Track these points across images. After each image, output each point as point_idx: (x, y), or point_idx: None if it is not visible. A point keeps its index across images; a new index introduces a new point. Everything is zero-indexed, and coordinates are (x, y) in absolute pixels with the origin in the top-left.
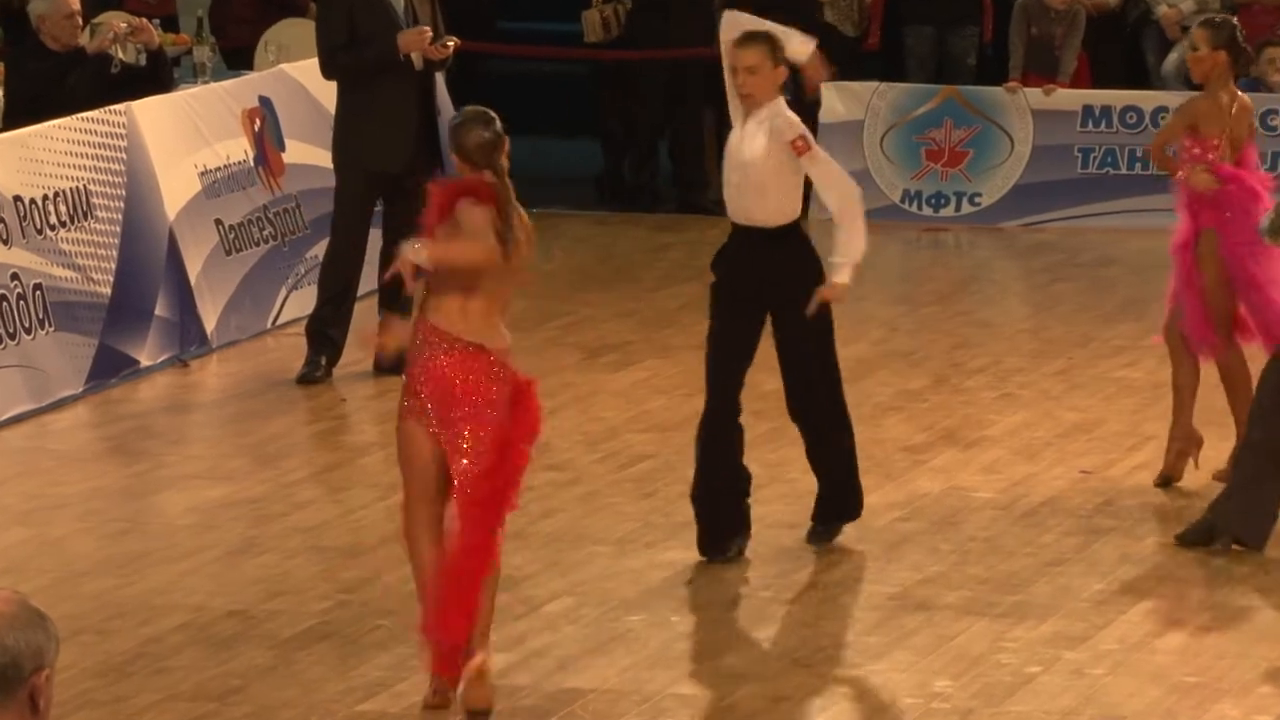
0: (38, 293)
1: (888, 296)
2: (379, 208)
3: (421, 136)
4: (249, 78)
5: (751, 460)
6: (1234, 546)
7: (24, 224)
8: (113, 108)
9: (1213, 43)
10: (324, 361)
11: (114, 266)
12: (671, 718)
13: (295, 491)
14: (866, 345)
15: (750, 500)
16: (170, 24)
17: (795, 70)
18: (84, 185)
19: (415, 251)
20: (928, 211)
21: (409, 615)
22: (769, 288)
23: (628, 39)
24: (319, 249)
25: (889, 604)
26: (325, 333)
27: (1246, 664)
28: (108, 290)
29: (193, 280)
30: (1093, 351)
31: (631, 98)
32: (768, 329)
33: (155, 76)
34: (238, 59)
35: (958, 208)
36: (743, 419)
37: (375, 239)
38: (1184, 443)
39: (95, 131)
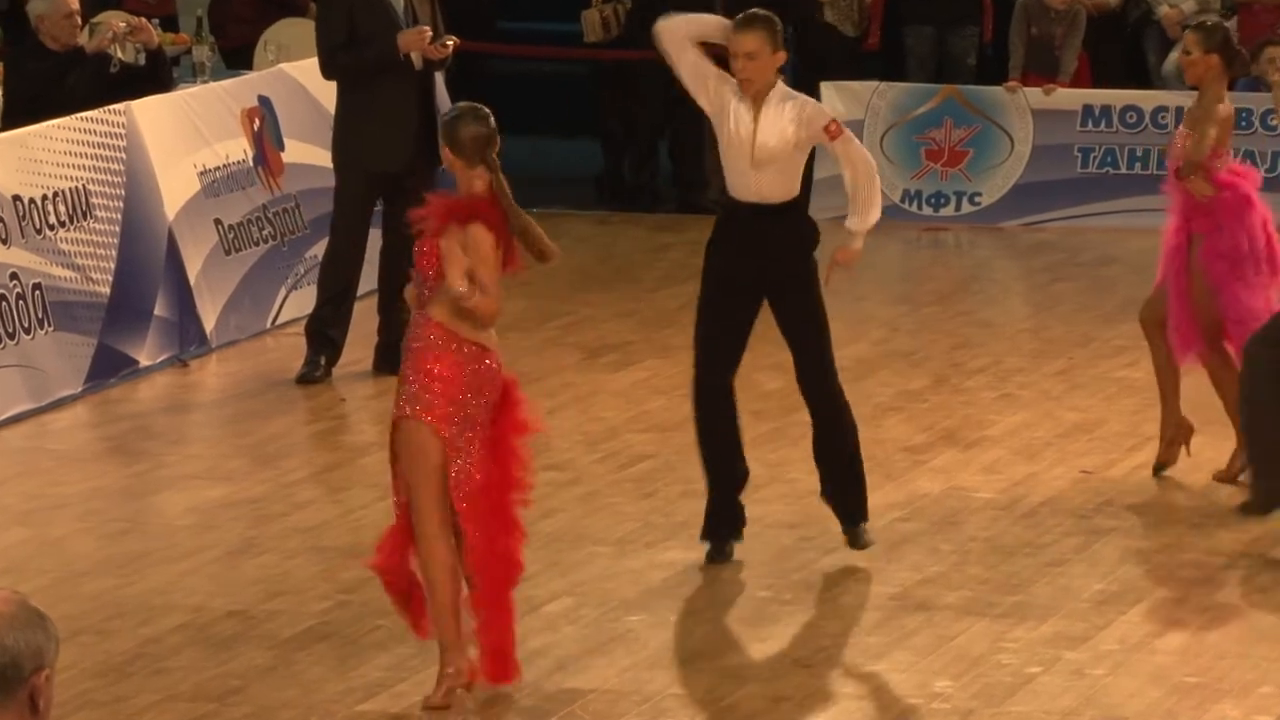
0: (37, 292)
1: (888, 296)
2: (379, 207)
3: (421, 136)
4: (248, 77)
5: (752, 460)
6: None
7: (23, 224)
8: (112, 107)
9: (1204, 46)
10: (323, 361)
11: (113, 266)
12: (671, 718)
13: (295, 492)
14: (867, 345)
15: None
16: (169, 24)
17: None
18: (83, 185)
19: (461, 284)
20: (928, 211)
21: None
22: (770, 263)
23: (627, 39)
24: (318, 249)
25: (889, 604)
26: (325, 333)
27: (1247, 664)
28: (107, 290)
29: (192, 280)
30: (1093, 351)
31: (631, 98)
32: (761, 331)
33: (154, 76)
34: (237, 59)
35: (958, 207)
36: (742, 419)
37: (375, 239)
38: (1175, 430)
39: (94, 131)
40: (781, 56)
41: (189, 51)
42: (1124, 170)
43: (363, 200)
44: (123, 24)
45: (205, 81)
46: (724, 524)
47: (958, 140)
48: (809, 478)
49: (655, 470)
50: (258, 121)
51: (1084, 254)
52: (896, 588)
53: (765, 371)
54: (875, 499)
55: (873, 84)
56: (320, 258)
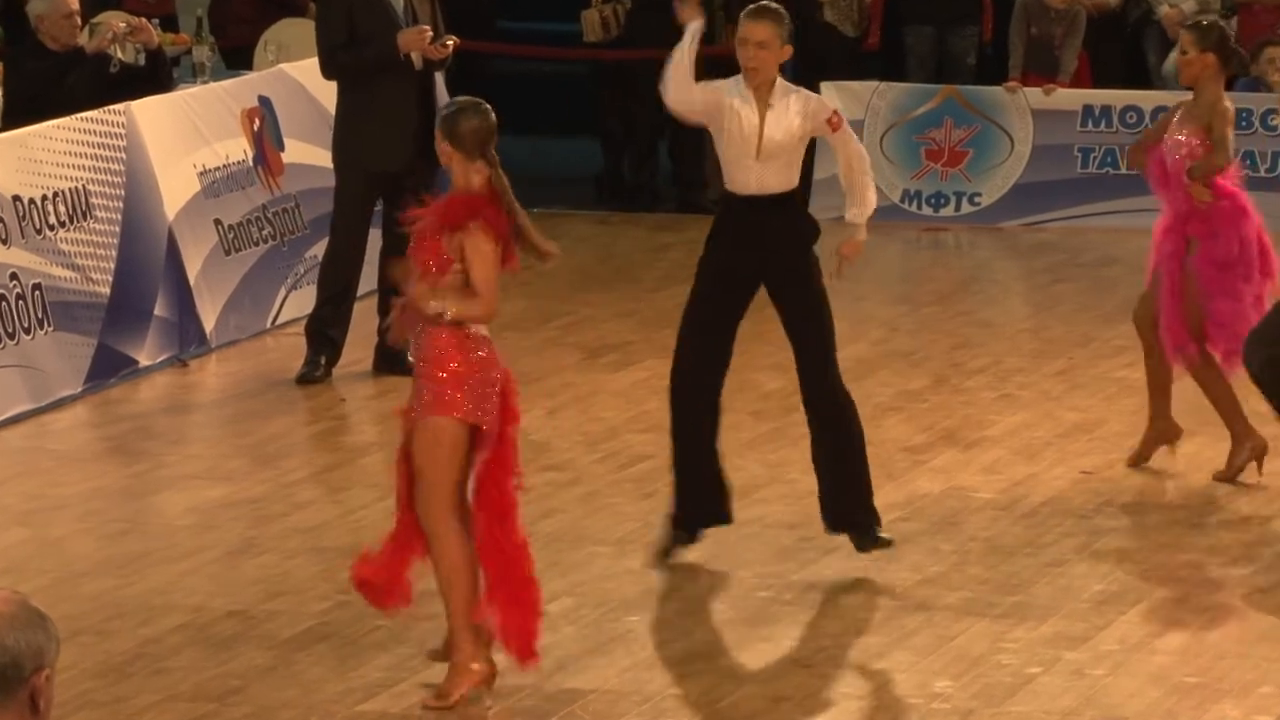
0: (37, 293)
1: (888, 296)
2: (379, 207)
3: (421, 136)
4: (248, 77)
5: (751, 460)
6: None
7: (23, 224)
8: (112, 107)
9: (1200, 45)
10: (323, 361)
11: (113, 266)
12: (671, 718)
13: (295, 492)
14: (867, 345)
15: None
16: (169, 24)
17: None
18: (83, 185)
19: (440, 304)
20: (928, 211)
21: (408, 616)
22: (769, 254)
23: (627, 39)
24: (318, 249)
25: (889, 604)
26: (325, 332)
27: (1247, 664)
28: (107, 290)
29: (192, 280)
30: (1093, 351)
31: (631, 97)
32: (761, 331)
33: (154, 76)
34: (237, 58)
35: (958, 207)
36: (740, 419)
37: (375, 239)
38: (1159, 431)
39: (94, 131)
40: (789, 51)
41: (189, 52)
42: (1124, 170)
43: (363, 200)
44: (123, 24)
45: (205, 82)
46: (694, 515)
47: (958, 140)
48: (809, 478)
49: (655, 470)
50: (258, 121)
51: (1084, 254)
52: (896, 588)
53: (765, 371)
54: (876, 499)
55: (873, 84)
56: (320, 258)
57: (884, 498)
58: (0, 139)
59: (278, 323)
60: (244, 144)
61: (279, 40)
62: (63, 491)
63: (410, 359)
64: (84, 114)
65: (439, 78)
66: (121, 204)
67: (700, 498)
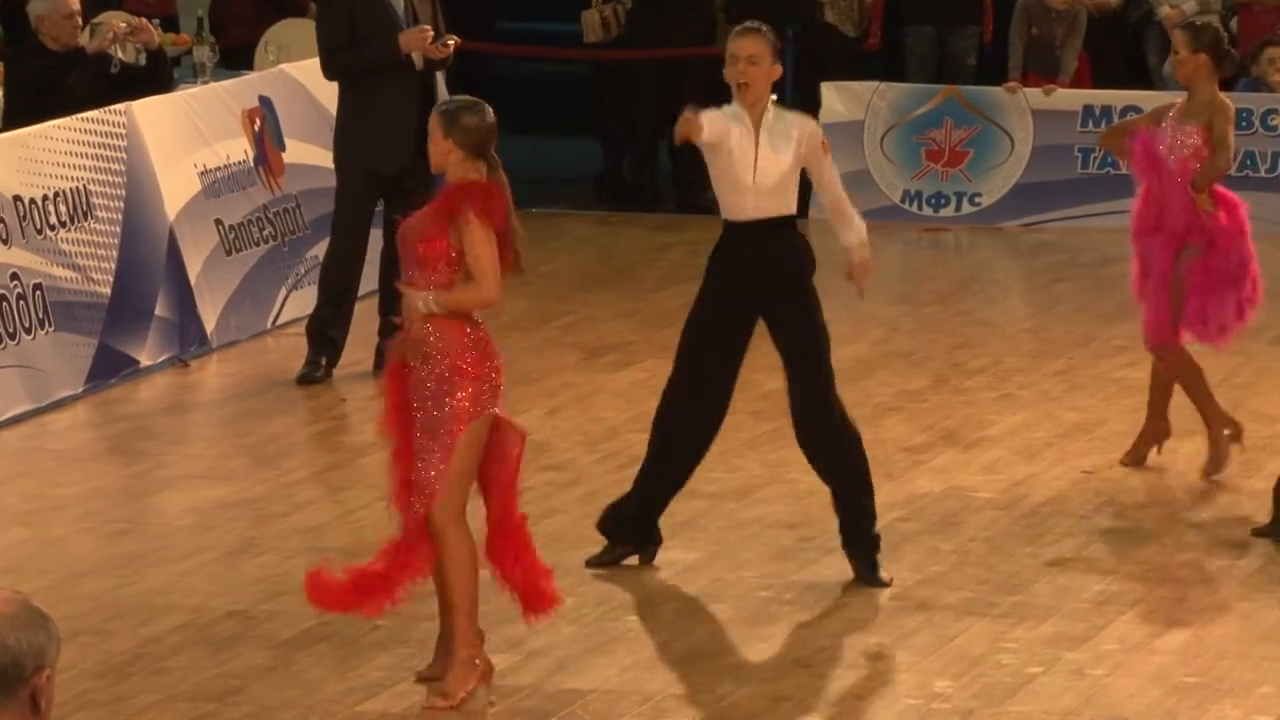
0: (37, 293)
1: (888, 296)
2: (379, 208)
3: (422, 136)
4: (249, 78)
5: (751, 460)
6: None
7: (24, 224)
8: (112, 108)
9: (1192, 46)
10: (324, 362)
11: (114, 266)
12: (671, 718)
13: (295, 492)
14: (867, 345)
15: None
16: (170, 24)
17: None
18: (84, 185)
19: (426, 303)
20: (928, 211)
21: (408, 616)
22: (769, 279)
23: (627, 39)
24: (319, 249)
25: (889, 604)
26: (325, 333)
27: (1247, 664)
28: (107, 290)
29: (193, 280)
30: (1093, 351)
31: (631, 97)
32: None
33: (155, 76)
34: (237, 59)
35: (958, 208)
36: (740, 419)
37: (376, 239)
38: (1157, 430)
39: (95, 131)
40: (778, 70)
41: (190, 52)
42: (1124, 171)
43: (363, 200)
44: (123, 24)
45: (206, 82)
46: (633, 532)
47: (958, 141)
48: (808, 477)
49: None
50: (258, 122)
51: (1084, 254)
52: (896, 588)
53: (765, 371)
54: (876, 499)
55: (873, 84)
56: (321, 258)
57: (884, 497)
58: (1, 139)
59: (278, 323)
60: (245, 144)
61: (280, 41)
62: (63, 492)
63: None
64: (85, 114)
65: (440, 78)
66: (122, 204)
67: (637, 520)
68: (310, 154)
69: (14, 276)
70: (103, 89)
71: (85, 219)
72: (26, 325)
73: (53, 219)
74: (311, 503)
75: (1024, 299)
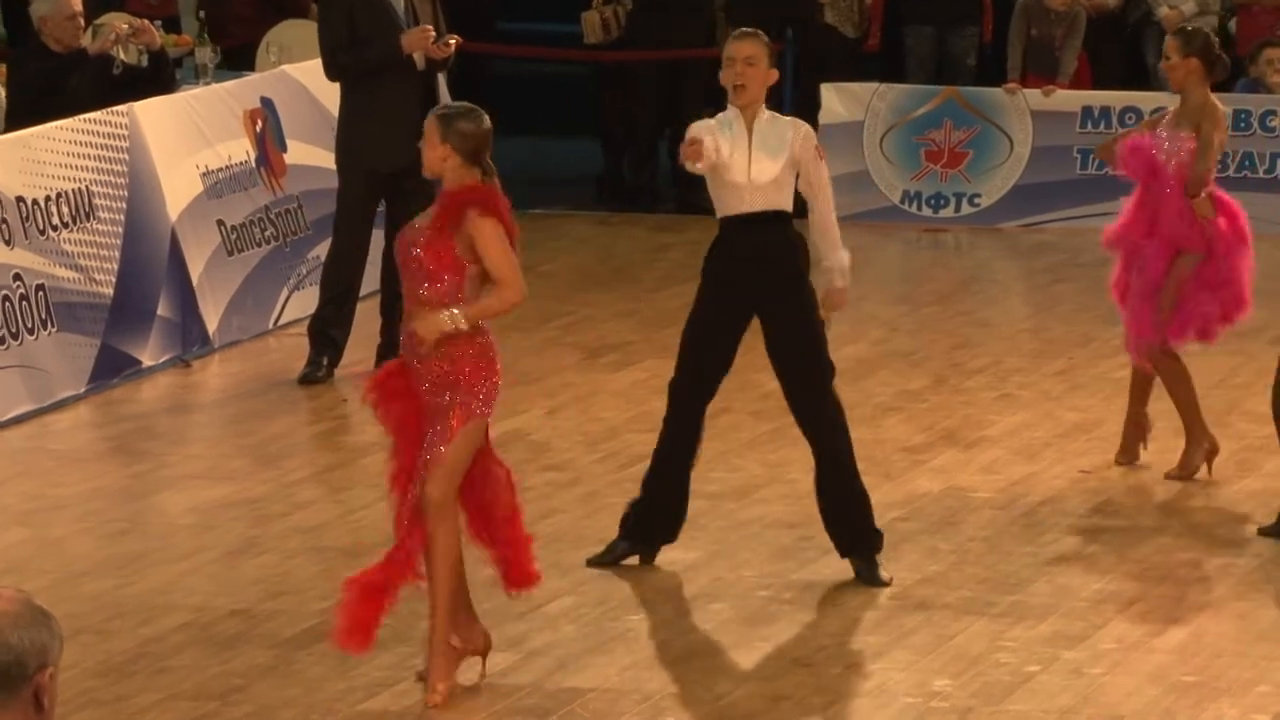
0: (40, 293)
1: (888, 297)
2: (381, 208)
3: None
4: (250, 79)
5: (751, 460)
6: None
7: (26, 225)
8: (115, 109)
9: (1183, 50)
10: (326, 362)
11: (116, 267)
12: (671, 717)
13: (296, 492)
14: (866, 345)
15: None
16: (172, 25)
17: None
18: (86, 186)
19: (453, 319)
20: (927, 212)
21: (408, 614)
22: (766, 275)
23: (627, 40)
24: (321, 249)
25: (888, 603)
26: (327, 333)
27: (1245, 663)
28: (110, 291)
29: (195, 280)
30: (1093, 351)
31: (631, 98)
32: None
33: (157, 78)
34: (239, 60)
35: (957, 208)
36: (740, 419)
37: (377, 239)
38: (1135, 429)
39: (97, 132)
40: (774, 74)
41: (191, 53)
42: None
43: (365, 201)
44: (125, 26)
45: (208, 83)
46: (646, 536)
47: (957, 141)
48: (808, 477)
49: None
50: (260, 123)
51: (1083, 255)
52: (896, 587)
53: (765, 371)
54: (875, 499)
55: (873, 85)
56: (322, 258)
57: (883, 497)
58: (3, 140)
59: (280, 323)
60: (246, 145)
61: (281, 42)
62: (64, 491)
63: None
64: (87, 115)
65: (441, 79)
66: (124, 205)
67: (660, 517)
68: (312, 155)
69: (16, 277)
70: (105, 90)
71: (88, 220)
72: (29, 325)
73: (55, 219)
74: (313, 502)
75: (1023, 299)
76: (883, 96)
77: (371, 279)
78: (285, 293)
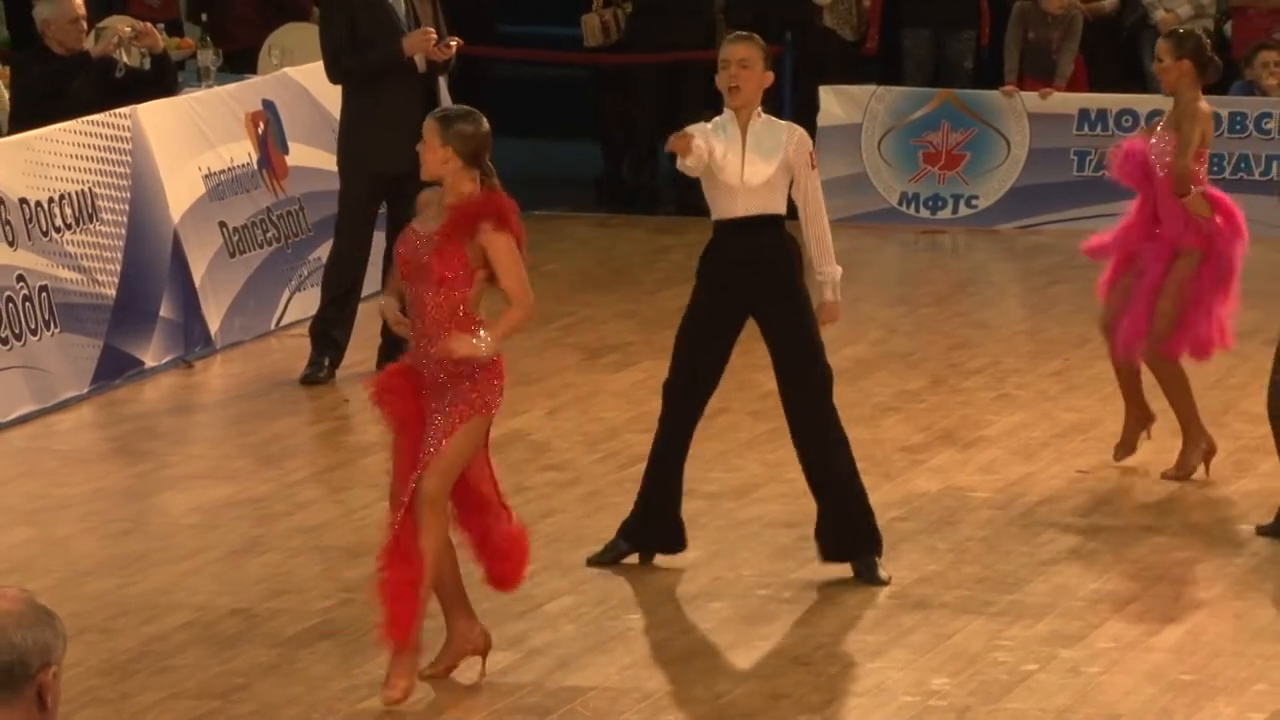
0: (43, 294)
1: (886, 298)
2: (383, 210)
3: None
4: (252, 81)
5: (751, 460)
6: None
7: (30, 226)
8: (117, 111)
9: (1175, 53)
10: (327, 362)
11: (119, 268)
12: (671, 715)
13: (298, 491)
14: (865, 346)
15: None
16: (174, 28)
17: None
18: (89, 188)
19: (489, 347)
20: (925, 214)
21: None
22: (760, 279)
23: (627, 43)
24: (322, 251)
25: (887, 602)
26: (329, 334)
27: (1242, 662)
28: (112, 292)
29: (197, 282)
30: (1089, 352)
31: (631, 101)
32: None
33: (159, 80)
34: (241, 62)
35: (955, 210)
36: (740, 419)
37: (379, 241)
38: (1136, 423)
39: (100, 135)
40: (769, 78)
41: (194, 56)
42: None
43: (366, 202)
44: (128, 29)
45: (210, 85)
46: (644, 537)
47: (955, 143)
48: None
49: None
50: (262, 125)
51: (1080, 256)
52: (894, 586)
53: (765, 371)
54: (874, 499)
55: (870, 88)
56: (324, 260)
57: (882, 497)
58: (7, 142)
59: (282, 324)
60: (248, 147)
61: (283, 44)
62: (67, 491)
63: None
64: (90, 117)
65: (442, 81)
66: (127, 206)
67: (654, 517)
68: (313, 157)
69: (20, 278)
70: (107, 93)
71: (90, 221)
72: (32, 326)
73: (58, 221)
74: (314, 502)
75: (1021, 300)
76: (881, 99)
77: (373, 280)
78: (287, 294)
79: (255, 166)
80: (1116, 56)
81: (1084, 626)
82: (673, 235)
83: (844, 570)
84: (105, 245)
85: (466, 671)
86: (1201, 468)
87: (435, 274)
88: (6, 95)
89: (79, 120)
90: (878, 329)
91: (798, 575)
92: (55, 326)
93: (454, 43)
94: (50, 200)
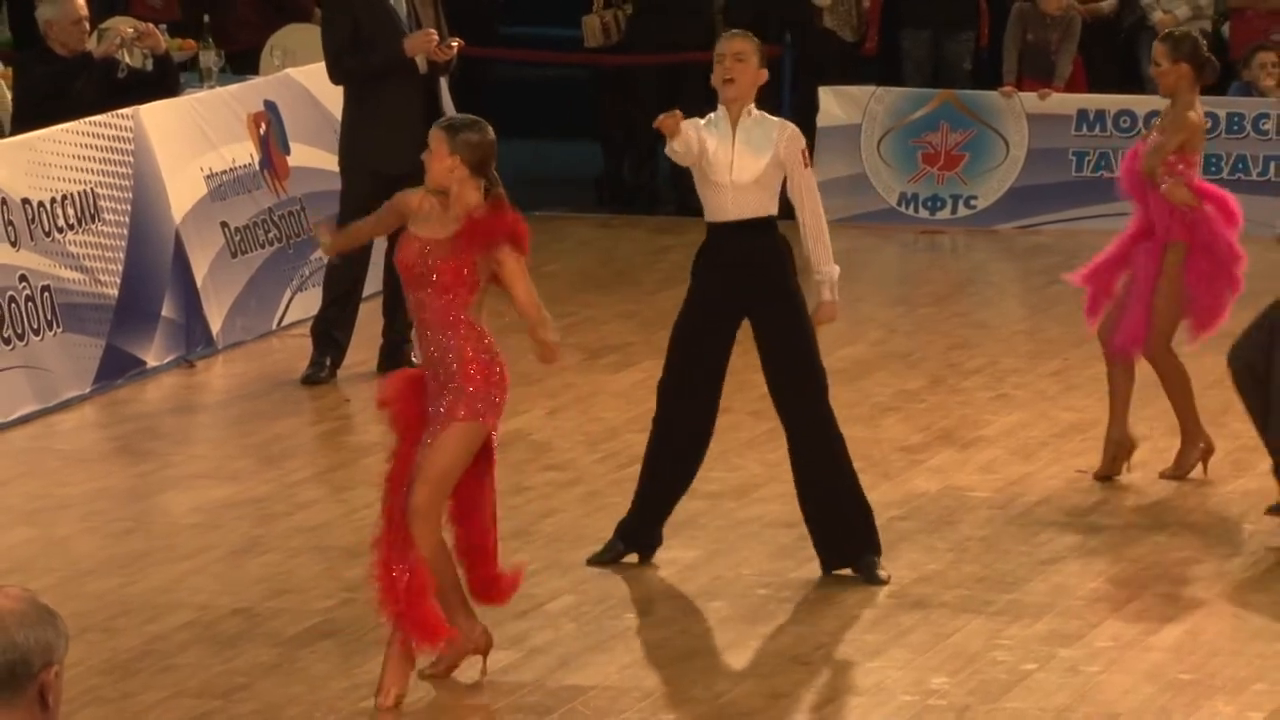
0: (45, 294)
1: (885, 298)
2: None
3: (426, 140)
4: (254, 82)
5: (751, 459)
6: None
7: (32, 226)
8: (120, 112)
9: (1172, 56)
10: (329, 362)
11: (121, 268)
12: (670, 714)
13: (299, 491)
14: (864, 346)
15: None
16: (176, 29)
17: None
18: (91, 188)
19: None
20: (924, 214)
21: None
22: (754, 281)
23: (627, 44)
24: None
25: (886, 602)
26: (330, 334)
27: (1240, 661)
28: (114, 292)
29: (199, 282)
30: (1088, 352)
31: (631, 101)
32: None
33: (161, 81)
34: (243, 63)
35: (954, 210)
36: (740, 419)
37: (380, 241)
38: (1117, 447)
39: (102, 135)
40: (763, 75)
41: (196, 57)
42: (1118, 174)
43: (368, 203)
44: (130, 30)
45: (212, 86)
46: (639, 537)
47: (954, 144)
48: None
49: None
50: (264, 126)
51: (1079, 256)
52: (893, 586)
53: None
54: (873, 498)
55: (870, 88)
56: (325, 260)
57: (881, 496)
58: (10, 142)
59: (283, 324)
60: (250, 148)
61: (285, 45)
62: (69, 491)
63: (415, 361)
64: (92, 118)
65: (443, 82)
66: (129, 207)
67: (645, 514)
68: (315, 157)
69: (22, 278)
70: (110, 93)
71: (93, 221)
72: (34, 326)
73: (60, 221)
74: (315, 502)
75: (1019, 300)
76: (880, 100)
77: (374, 280)
78: (288, 294)
79: (257, 167)
80: (1115, 57)
81: (1083, 626)
82: (673, 235)
83: (843, 570)
84: (107, 245)
85: (467, 671)
86: (1200, 467)
87: (442, 281)
88: (9, 96)
89: (81, 121)
90: (877, 329)
91: (798, 575)
92: (57, 326)
93: (455, 44)
94: (52, 200)
